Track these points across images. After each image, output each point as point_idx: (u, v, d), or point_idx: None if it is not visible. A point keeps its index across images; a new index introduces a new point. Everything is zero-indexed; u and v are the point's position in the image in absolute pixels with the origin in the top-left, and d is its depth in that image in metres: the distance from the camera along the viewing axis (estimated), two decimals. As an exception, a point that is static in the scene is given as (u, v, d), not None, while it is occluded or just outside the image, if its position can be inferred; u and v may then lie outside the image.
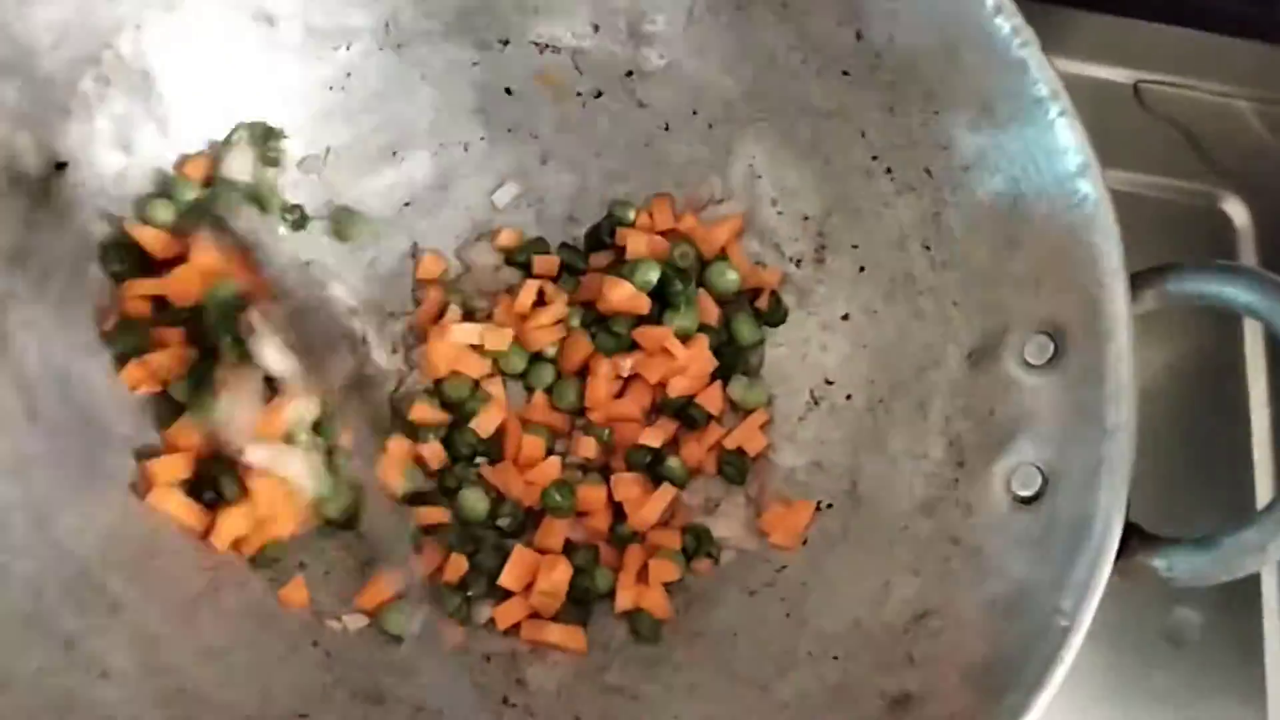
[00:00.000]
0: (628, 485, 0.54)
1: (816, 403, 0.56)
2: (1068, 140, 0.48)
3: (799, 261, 0.58)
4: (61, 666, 0.41)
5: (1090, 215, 0.47)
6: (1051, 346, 0.48)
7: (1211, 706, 0.61)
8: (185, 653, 0.45)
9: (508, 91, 0.58)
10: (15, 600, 0.41)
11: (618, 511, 0.54)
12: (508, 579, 0.51)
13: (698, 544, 0.54)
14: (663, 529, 0.54)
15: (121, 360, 0.49)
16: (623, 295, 0.54)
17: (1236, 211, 0.71)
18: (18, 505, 0.44)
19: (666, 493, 0.54)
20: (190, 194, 0.51)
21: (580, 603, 0.52)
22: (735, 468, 0.55)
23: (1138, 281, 0.47)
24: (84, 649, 0.42)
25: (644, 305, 0.55)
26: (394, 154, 0.57)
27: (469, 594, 0.52)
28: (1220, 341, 0.66)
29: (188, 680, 0.44)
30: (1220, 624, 0.62)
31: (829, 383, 0.56)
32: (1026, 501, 0.47)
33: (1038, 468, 0.47)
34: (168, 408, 0.49)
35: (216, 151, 0.53)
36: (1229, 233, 0.71)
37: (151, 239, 0.50)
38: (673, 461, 0.55)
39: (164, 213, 0.50)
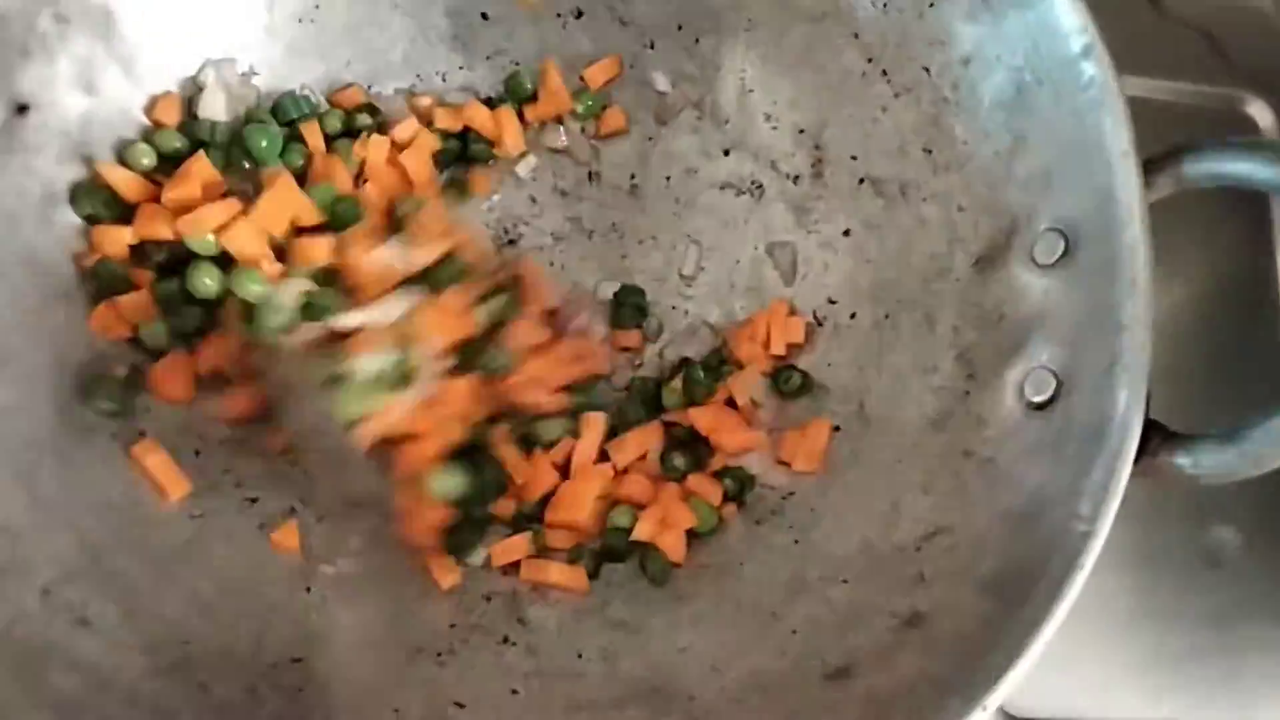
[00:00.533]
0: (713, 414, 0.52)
1: (820, 324, 0.54)
2: (1070, 22, 0.45)
3: (796, 178, 0.55)
4: (39, 615, 0.40)
5: (1097, 99, 0.44)
6: (1062, 243, 0.46)
7: (1249, 628, 0.59)
8: (171, 601, 0.44)
9: (484, 16, 0.56)
10: (-12, 548, 0.40)
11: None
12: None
13: (740, 489, 0.52)
14: (704, 475, 0.52)
15: (97, 303, 0.47)
16: None
17: (1260, 113, 0.68)
18: (-10, 453, 0.42)
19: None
20: (174, 143, 0.50)
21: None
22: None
23: (1151, 166, 0.44)
24: (62, 597, 0.41)
25: None
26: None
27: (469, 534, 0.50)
28: (1247, 229, 0.63)
29: (174, 628, 0.43)
30: (1258, 543, 0.60)
31: (832, 302, 0.54)
32: (1040, 407, 0.45)
33: (1051, 371, 0.45)
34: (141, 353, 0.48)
35: (188, 92, 0.51)
36: (1253, 135, 0.67)
37: (125, 182, 0.48)
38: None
39: (146, 159, 0.49)
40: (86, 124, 0.48)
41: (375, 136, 0.53)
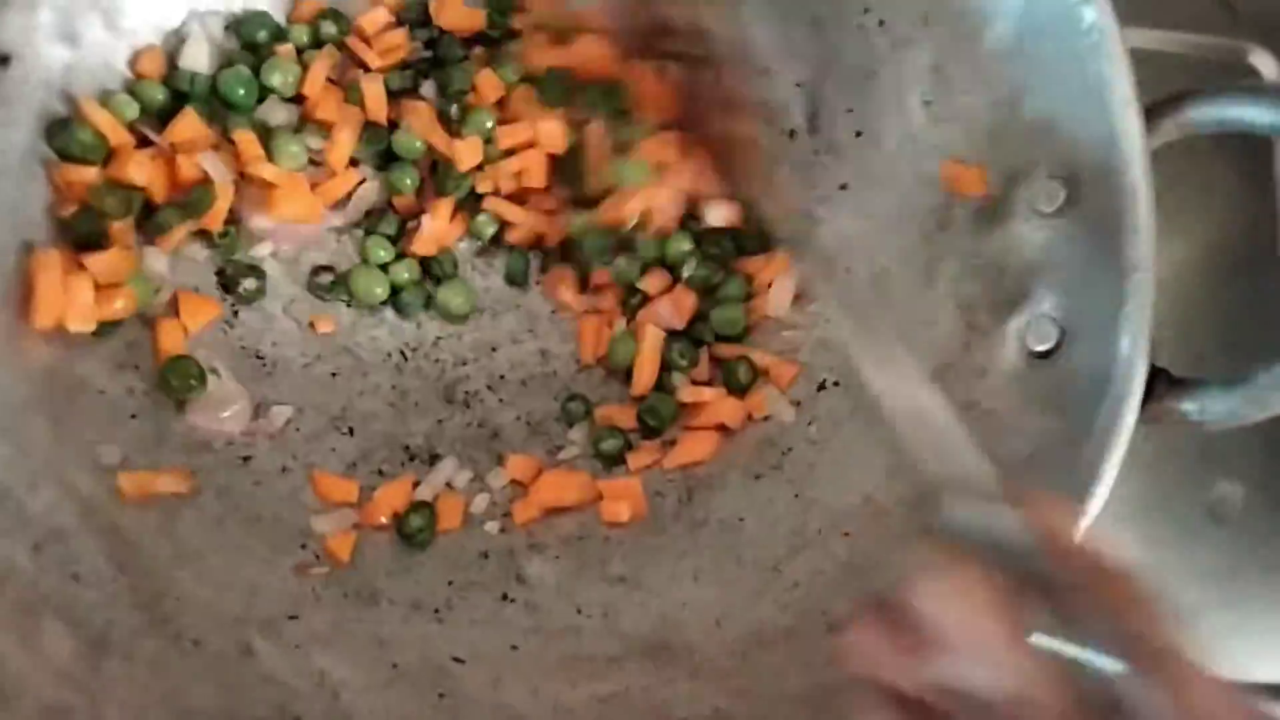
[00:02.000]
0: None
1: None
2: (1070, -34, 0.44)
3: (793, 133, 0.55)
4: (30, 569, 0.40)
5: (1097, 44, 0.43)
6: (1063, 192, 0.45)
7: (1254, 582, 0.59)
8: (163, 554, 0.43)
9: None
10: (-23, 504, 0.40)
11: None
12: None
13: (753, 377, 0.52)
14: None
15: (79, 248, 0.46)
16: None
17: (1265, 64, 0.67)
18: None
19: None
20: (157, 95, 0.49)
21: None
22: None
23: (1154, 112, 0.43)
24: (54, 551, 0.41)
25: None
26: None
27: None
28: (1249, 179, 0.62)
29: (167, 582, 0.43)
30: (1263, 498, 0.60)
31: (830, 256, 0.53)
32: (1043, 356, 0.44)
33: (1053, 319, 0.44)
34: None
35: (171, 45, 0.50)
36: (1255, 81, 0.67)
37: (107, 123, 0.47)
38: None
39: (128, 110, 0.48)
40: (69, 76, 0.47)
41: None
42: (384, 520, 0.48)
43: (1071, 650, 0.27)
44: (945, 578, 0.29)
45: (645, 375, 0.51)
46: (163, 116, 0.49)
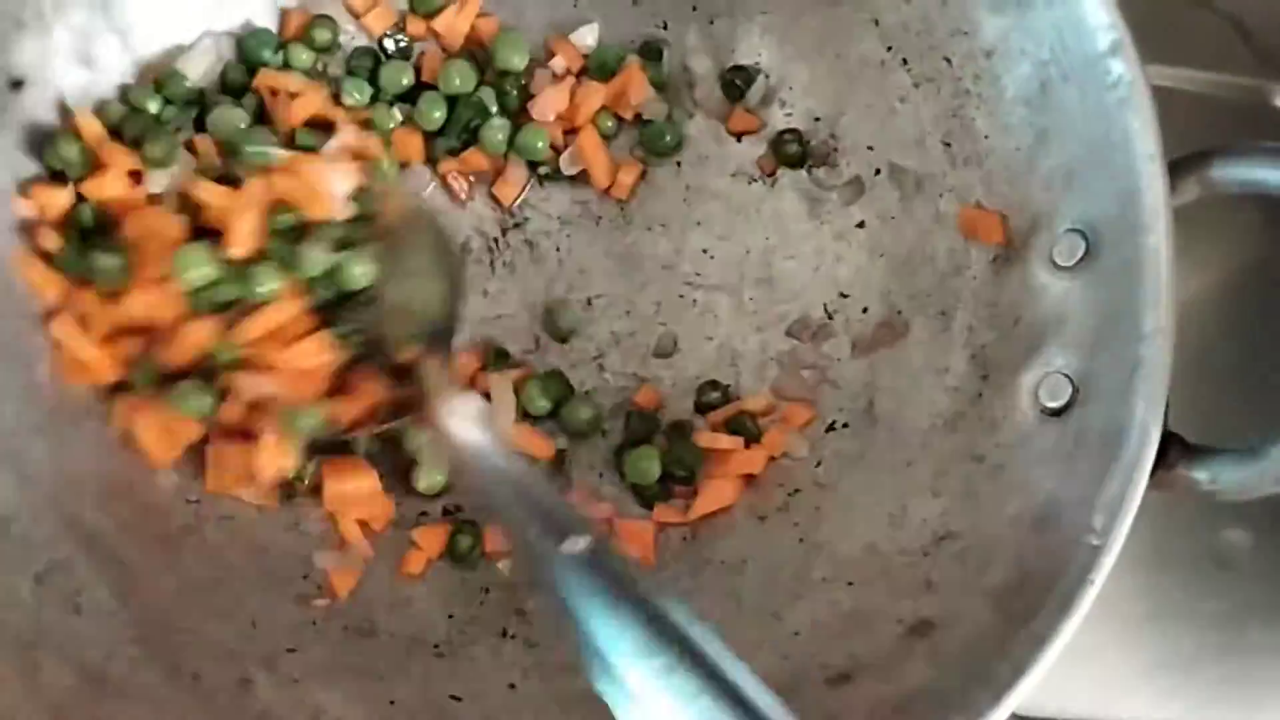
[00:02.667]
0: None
1: (830, 317, 0.53)
2: (1098, 17, 0.43)
3: (810, 168, 0.54)
4: (30, 600, 0.40)
5: (1124, 98, 0.43)
6: (1083, 245, 0.44)
7: (1259, 630, 0.58)
8: (165, 587, 0.44)
9: None
10: (-20, 534, 0.40)
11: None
12: None
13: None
14: None
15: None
16: None
17: (1292, 107, 0.66)
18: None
19: None
20: (151, 103, 0.48)
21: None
22: None
23: (1177, 169, 0.43)
24: (55, 583, 0.41)
25: None
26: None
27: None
28: (1272, 232, 0.62)
29: (168, 614, 0.43)
30: (1270, 545, 0.59)
31: (844, 295, 0.53)
32: (1055, 413, 0.44)
33: (1067, 376, 0.44)
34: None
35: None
36: (1281, 128, 0.66)
37: (94, 135, 0.47)
38: None
39: (113, 112, 0.48)
40: (84, 98, 0.47)
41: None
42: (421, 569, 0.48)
43: None
44: None
45: None
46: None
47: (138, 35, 0.49)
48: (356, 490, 0.47)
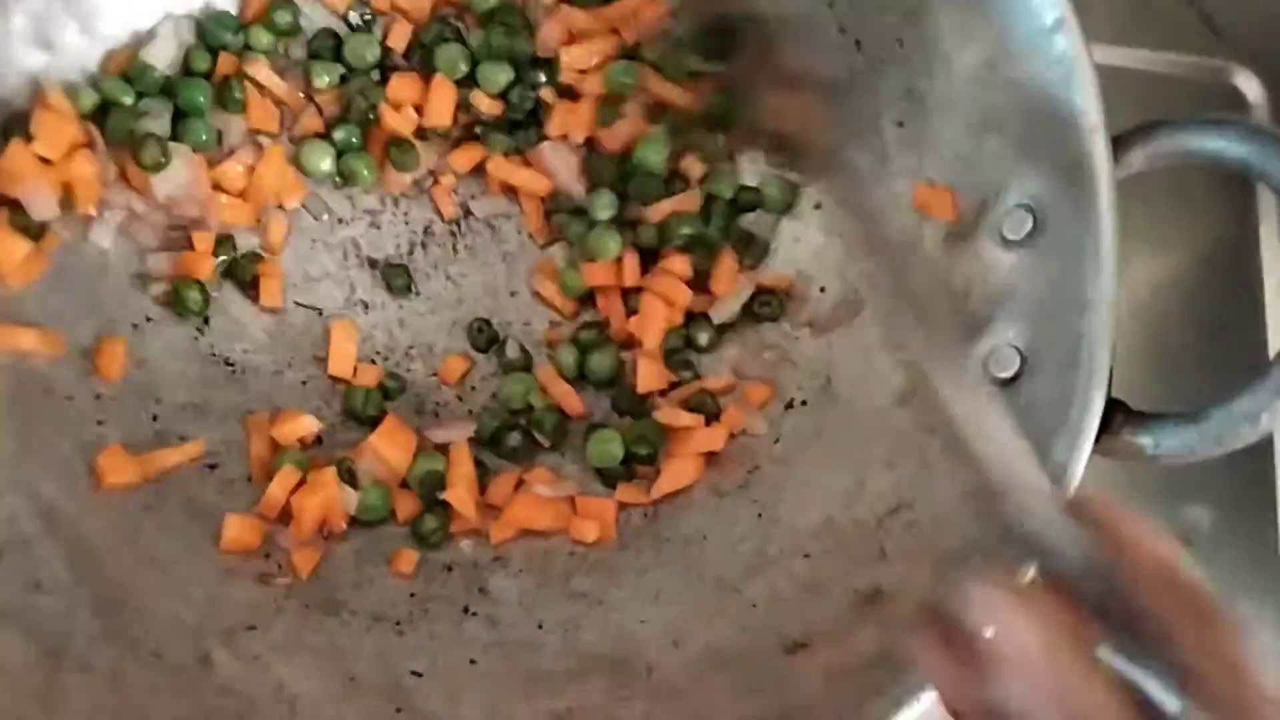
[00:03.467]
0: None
1: (789, 297, 0.53)
2: (1043, -6, 0.44)
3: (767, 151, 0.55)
4: (-10, 578, 0.40)
5: (1068, 72, 0.44)
6: (1030, 220, 0.45)
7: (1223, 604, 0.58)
8: (125, 564, 0.44)
9: None
10: (-62, 511, 0.40)
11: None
12: None
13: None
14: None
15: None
16: None
17: (1249, 85, 0.67)
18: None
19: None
20: (121, 94, 0.49)
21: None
22: None
23: (1122, 142, 0.44)
24: (14, 559, 0.41)
25: None
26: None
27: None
28: (1231, 206, 0.62)
29: (128, 591, 0.43)
30: (1231, 521, 0.60)
31: (801, 275, 0.53)
32: (1004, 384, 0.44)
33: (1016, 348, 0.44)
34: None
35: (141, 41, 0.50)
36: (1241, 108, 0.66)
37: (67, 112, 0.47)
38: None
39: (87, 101, 0.48)
40: (44, 81, 0.48)
41: None
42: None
43: (1136, 677, 0.26)
44: (1008, 593, 0.28)
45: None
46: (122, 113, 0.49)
47: (98, 20, 0.49)
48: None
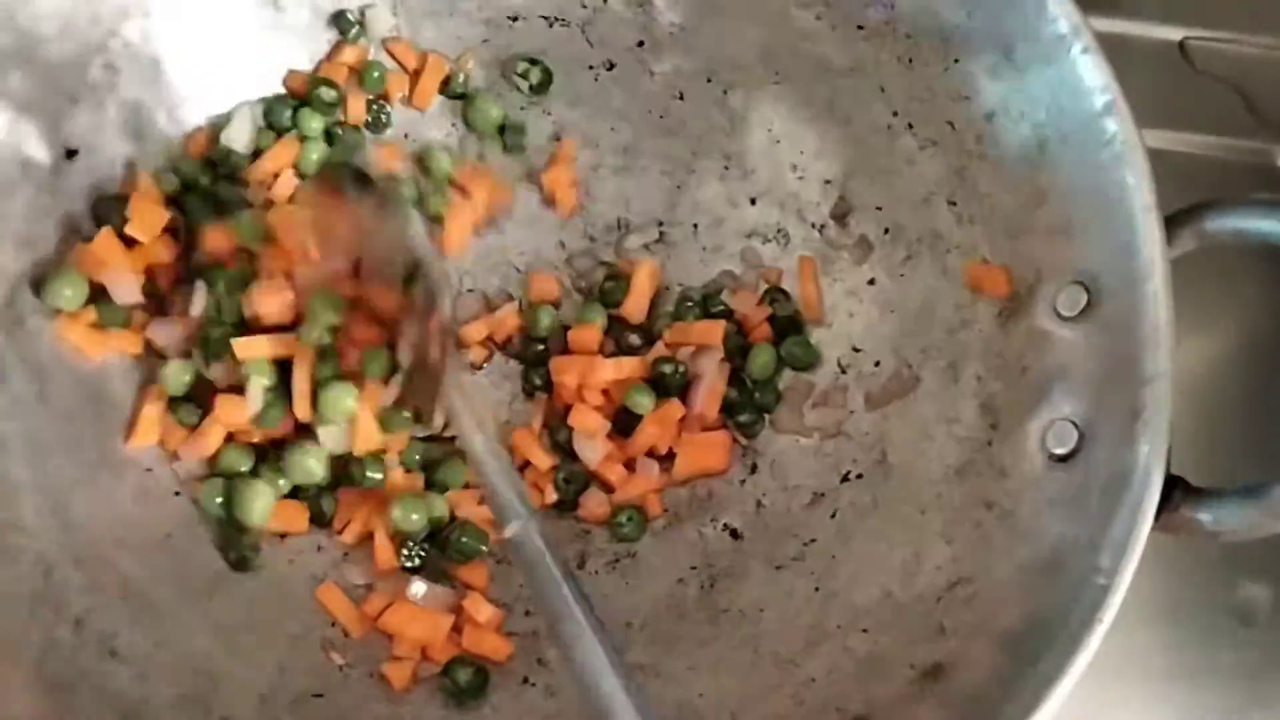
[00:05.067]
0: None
1: (844, 371, 0.54)
2: (1092, 79, 0.46)
3: (822, 227, 0.56)
4: (70, 644, 0.41)
5: (1119, 154, 0.45)
6: (1085, 296, 0.46)
7: (1283, 685, 0.58)
8: (199, 632, 0.45)
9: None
10: (24, 578, 0.41)
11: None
12: None
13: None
14: None
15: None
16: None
17: (1293, 167, 0.68)
18: (30, 487, 0.44)
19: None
20: (194, 173, 0.51)
21: None
22: None
23: (1174, 222, 0.44)
24: (93, 627, 0.42)
25: None
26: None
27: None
28: (1273, 284, 0.63)
29: (200, 659, 0.44)
30: (1293, 599, 0.59)
31: (856, 350, 0.54)
32: (1062, 459, 0.45)
33: (1073, 423, 0.45)
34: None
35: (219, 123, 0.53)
36: (1282, 189, 0.67)
37: (150, 201, 0.49)
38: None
39: (168, 185, 0.50)
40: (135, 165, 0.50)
41: None
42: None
43: None
44: None
45: None
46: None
47: (184, 110, 0.52)
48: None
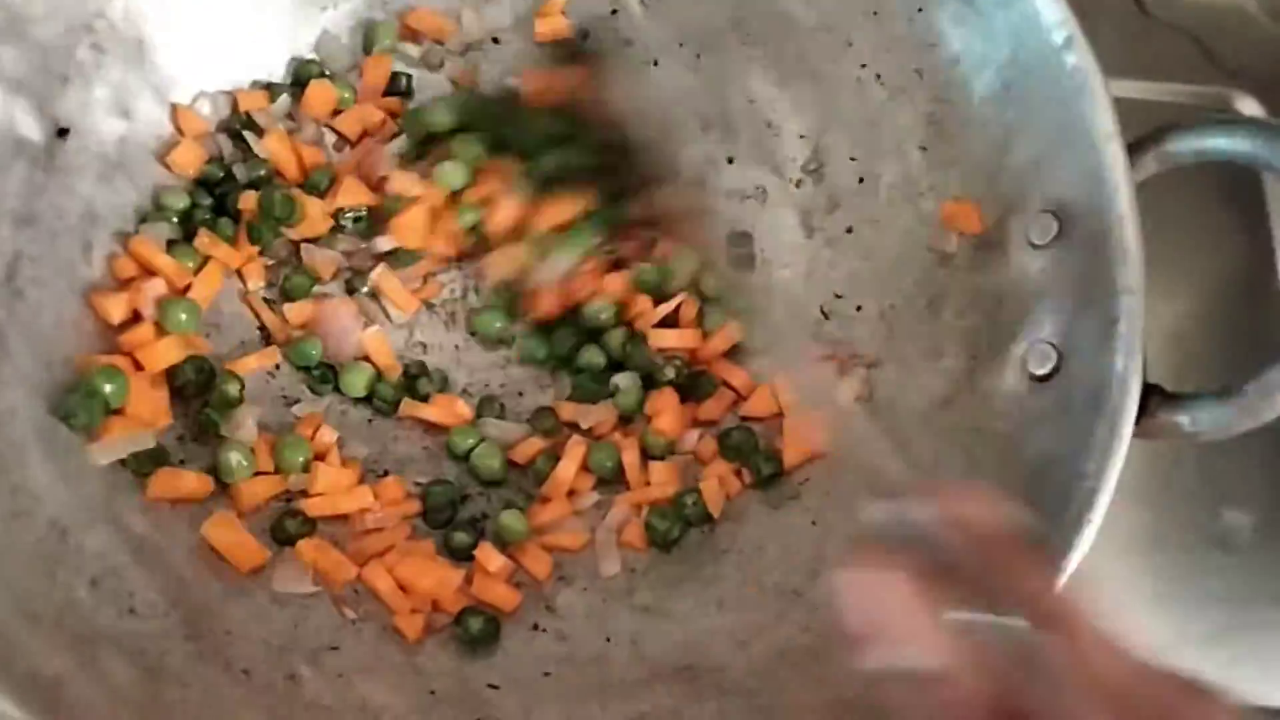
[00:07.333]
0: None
1: (827, 318, 0.56)
2: (1050, 15, 0.48)
3: (799, 182, 0.58)
4: (89, 603, 0.42)
5: (1080, 85, 0.47)
6: (1055, 224, 0.48)
7: (1264, 611, 0.60)
8: (214, 591, 0.45)
9: (495, 40, 0.59)
10: (39, 542, 0.42)
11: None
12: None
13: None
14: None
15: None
16: None
17: (1250, 110, 0.70)
18: (39, 453, 0.44)
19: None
20: (178, 203, 0.52)
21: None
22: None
23: (1136, 147, 0.46)
24: (109, 586, 0.43)
25: None
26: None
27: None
28: (1242, 209, 0.65)
29: (218, 617, 0.45)
30: (1271, 526, 0.61)
31: (838, 297, 0.56)
32: (1043, 379, 0.47)
33: (1051, 344, 0.47)
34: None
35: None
36: (1233, 119, 0.69)
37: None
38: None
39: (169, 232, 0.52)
40: (122, 146, 0.51)
41: None
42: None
43: (982, 619, 0.31)
44: (866, 571, 0.32)
45: None
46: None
47: (172, 89, 0.53)
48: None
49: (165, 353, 0.49)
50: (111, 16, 0.50)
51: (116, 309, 0.48)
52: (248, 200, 0.52)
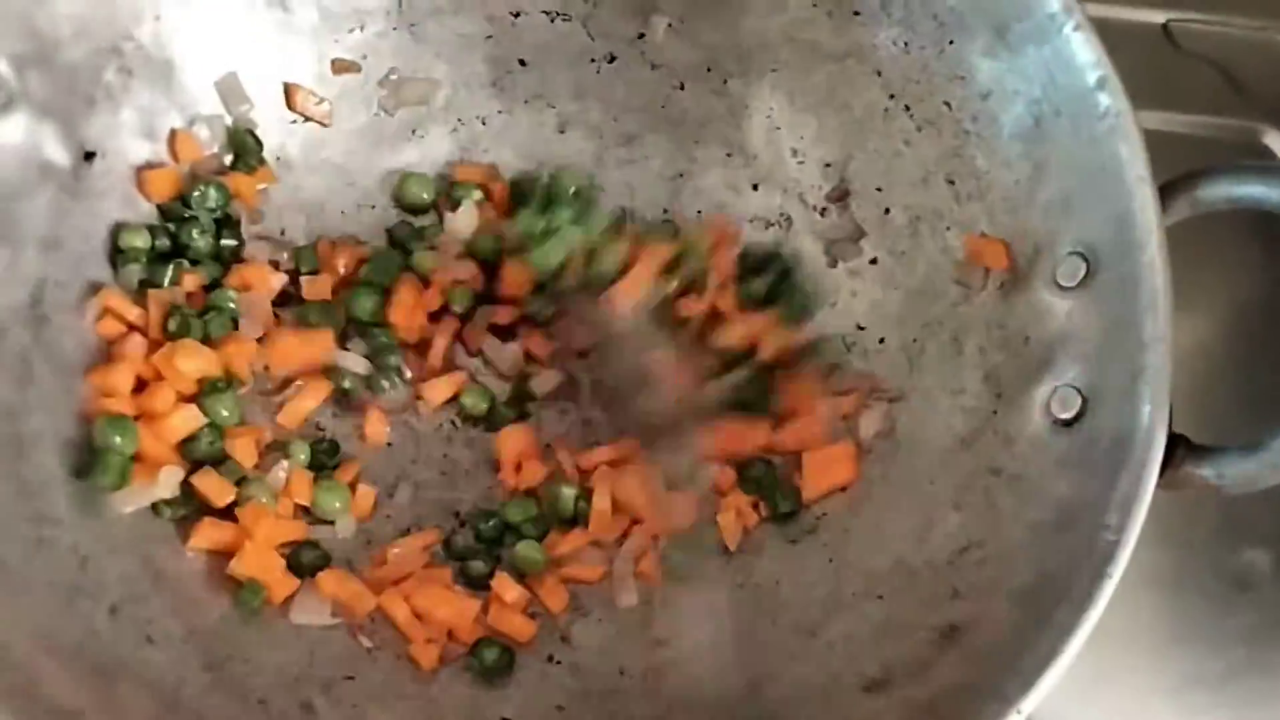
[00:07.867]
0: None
1: (849, 349, 0.56)
2: (1084, 55, 0.47)
3: (823, 210, 0.57)
4: (108, 633, 0.42)
5: (1113, 127, 0.46)
6: (1083, 266, 0.47)
7: (1283, 648, 0.59)
8: (231, 619, 0.46)
9: (521, 63, 0.58)
10: (59, 570, 0.42)
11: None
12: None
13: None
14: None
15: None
16: None
17: (1277, 144, 0.69)
18: (61, 480, 0.44)
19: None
20: (137, 240, 0.50)
21: None
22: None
23: (1168, 190, 0.46)
24: (129, 615, 0.43)
25: None
26: (413, 132, 0.58)
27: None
28: (1268, 251, 0.64)
29: (232, 645, 0.45)
30: (1292, 564, 0.61)
31: (860, 328, 0.56)
32: (1067, 424, 0.46)
33: (1076, 389, 0.46)
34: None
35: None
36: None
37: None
38: None
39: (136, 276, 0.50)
40: (148, 169, 0.51)
41: None
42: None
43: None
44: None
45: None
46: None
47: (198, 111, 0.53)
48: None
49: (179, 427, 0.48)
50: (140, 38, 0.50)
51: (123, 380, 0.47)
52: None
